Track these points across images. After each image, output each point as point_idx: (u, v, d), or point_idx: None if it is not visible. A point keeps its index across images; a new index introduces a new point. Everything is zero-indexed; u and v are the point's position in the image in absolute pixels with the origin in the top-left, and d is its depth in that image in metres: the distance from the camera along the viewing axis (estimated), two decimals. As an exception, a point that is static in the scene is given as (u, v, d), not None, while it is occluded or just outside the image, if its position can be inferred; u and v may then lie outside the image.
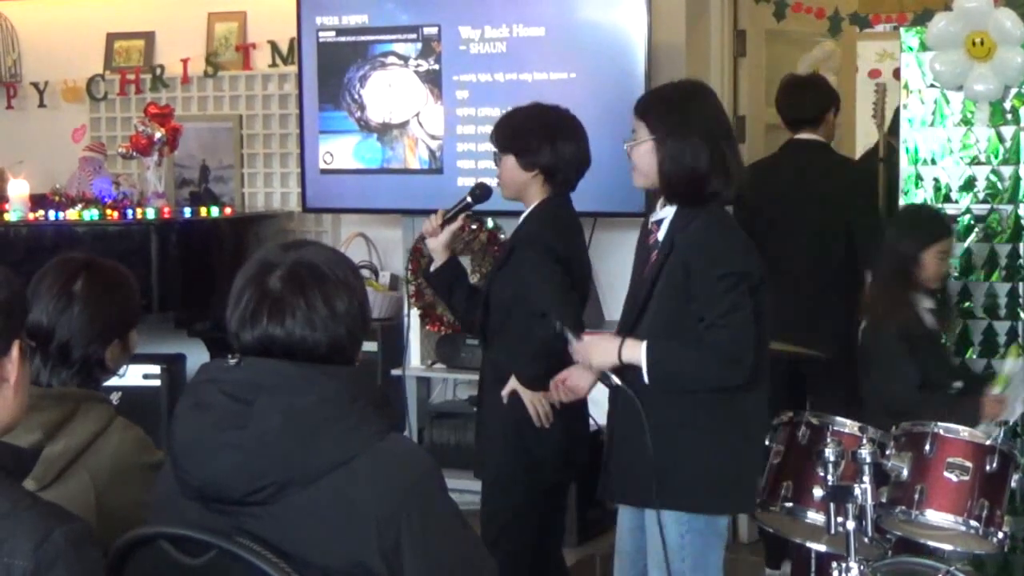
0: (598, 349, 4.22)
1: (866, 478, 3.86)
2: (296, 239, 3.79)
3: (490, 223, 6.86)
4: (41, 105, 8.22)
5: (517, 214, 4.91)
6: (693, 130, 4.15)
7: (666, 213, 4.26)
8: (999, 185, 6.07)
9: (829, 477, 3.88)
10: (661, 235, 4.25)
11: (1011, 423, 5.56)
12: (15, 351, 2.45)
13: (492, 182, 4.99)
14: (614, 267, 4.46)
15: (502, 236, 6.68)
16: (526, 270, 4.70)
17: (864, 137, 8.91)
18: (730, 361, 4.05)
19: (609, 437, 4.42)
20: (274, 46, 7.68)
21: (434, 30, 6.86)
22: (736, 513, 4.30)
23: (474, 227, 6.94)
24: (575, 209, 4.88)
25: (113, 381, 3.55)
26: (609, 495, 4.47)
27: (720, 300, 4.06)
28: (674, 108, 4.23)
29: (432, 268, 4.96)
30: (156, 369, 6.88)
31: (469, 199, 4.91)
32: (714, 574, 4.28)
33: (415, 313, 6.97)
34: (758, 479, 4.46)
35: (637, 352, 4.10)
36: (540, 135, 4.79)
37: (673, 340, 4.13)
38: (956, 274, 6.12)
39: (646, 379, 4.10)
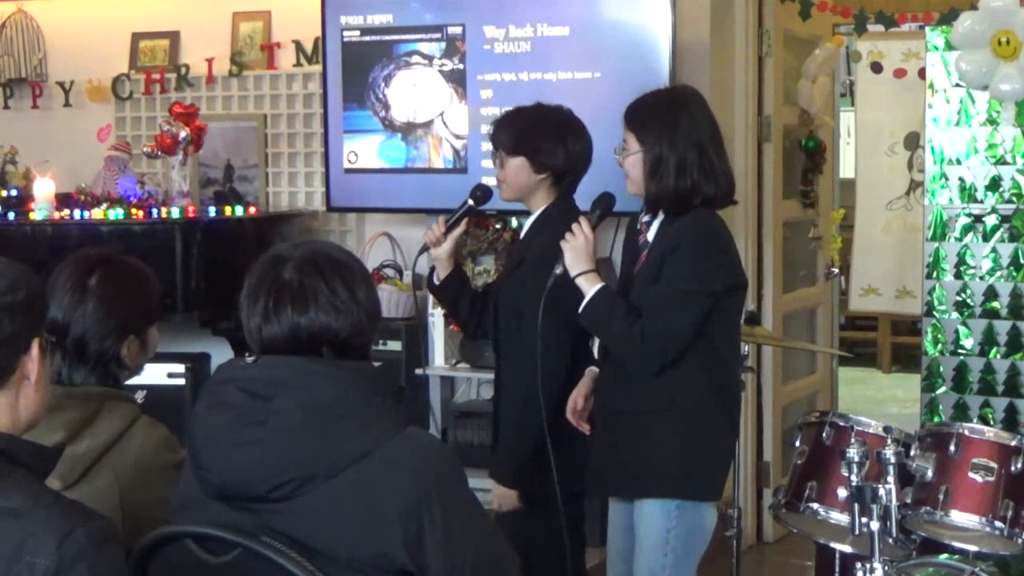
0: (576, 251, 4.27)
1: (890, 478, 3.85)
2: (302, 240, 3.81)
3: (514, 222, 6.85)
4: (66, 104, 8.24)
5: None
6: (680, 141, 4.22)
7: (666, 213, 4.31)
8: (1025, 185, 6.06)
9: (853, 477, 3.87)
10: (651, 236, 4.32)
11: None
12: (35, 349, 2.46)
13: (489, 181, 4.98)
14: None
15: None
16: (530, 287, 4.54)
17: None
18: (643, 352, 4.17)
19: (592, 425, 4.47)
20: (299, 45, 7.69)
21: (458, 29, 6.86)
22: (710, 500, 4.32)
23: (498, 227, 6.95)
24: (580, 211, 4.77)
25: (137, 380, 3.56)
26: (592, 486, 4.51)
27: (671, 298, 4.17)
28: (661, 119, 4.27)
29: (436, 279, 4.89)
30: (180, 368, 6.88)
31: (471, 202, 4.84)
32: (691, 573, 4.34)
33: (439, 313, 6.96)
34: (728, 470, 4.48)
35: (589, 288, 4.25)
36: (552, 136, 4.71)
37: (623, 304, 4.23)
38: (982, 274, 6.11)
39: (579, 309, 4.26)
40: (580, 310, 4.27)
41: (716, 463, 4.36)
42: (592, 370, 4.52)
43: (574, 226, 4.29)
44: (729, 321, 4.31)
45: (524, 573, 3.04)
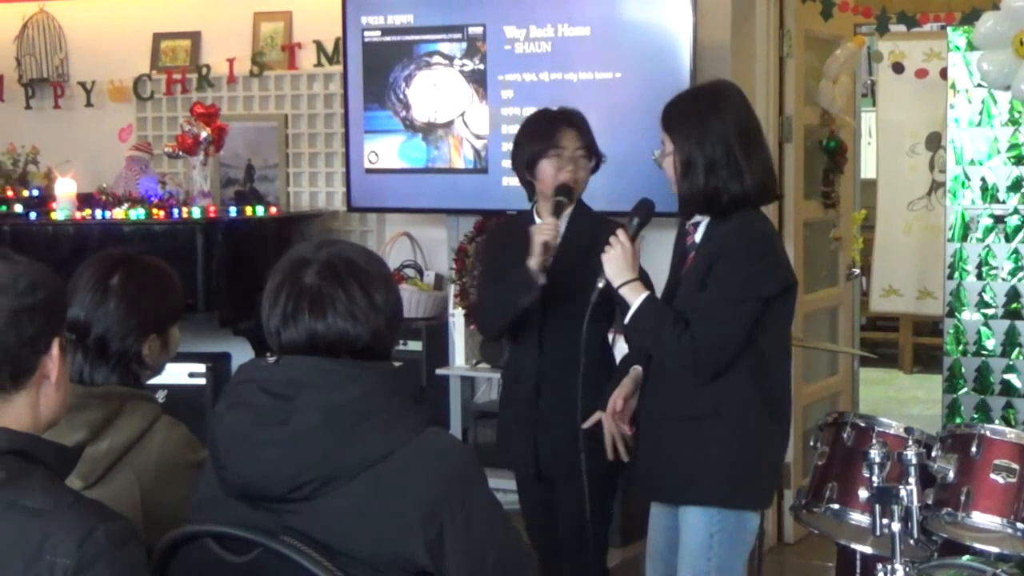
0: (617, 262, 4.28)
1: (911, 480, 3.83)
2: (326, 238, 3.80)
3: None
4: (88, 105, 8.26)
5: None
6: (708, 142, 4.19)
7: (703, 216, 4.28)
8: (1047, 185, 6.04)
9: (874, 478, 3.86)
10: (698, 237, 4.30)
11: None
12: (55, 349, 2.46)
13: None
14: (657, 266, 4.44)
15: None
16: None
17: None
18: (695, 362, 4.13)
19: (637, 430, 4.45)
20: (319, 46, 7.70)
21: (479, 30, 6.86)
22: (756, 509, 4.30)
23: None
24: None
25: (158, 379, 3.57)
26: (641, 492, 4.50)
27: (721, 306, 4.14)
28: (690, 119, 4.25)
29: (541, 279, 4.71)
30: (201, 368, 6.91)
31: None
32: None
33: (459, 313, 6.97)
34: (779, 475, 4.47)
35: (634, 298, 4.23)
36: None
37: (670, 313, 4.20)
38: (1003, 275, 6.09)
39: (625, 320, 4.25)
40: (626, 321, 4.26)
41: (761, 472, 4.31)
42: (636, 369, 4.49)
43: (612, 239, 4.30)
44: (778, 325, 4.27)
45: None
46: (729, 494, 4.23)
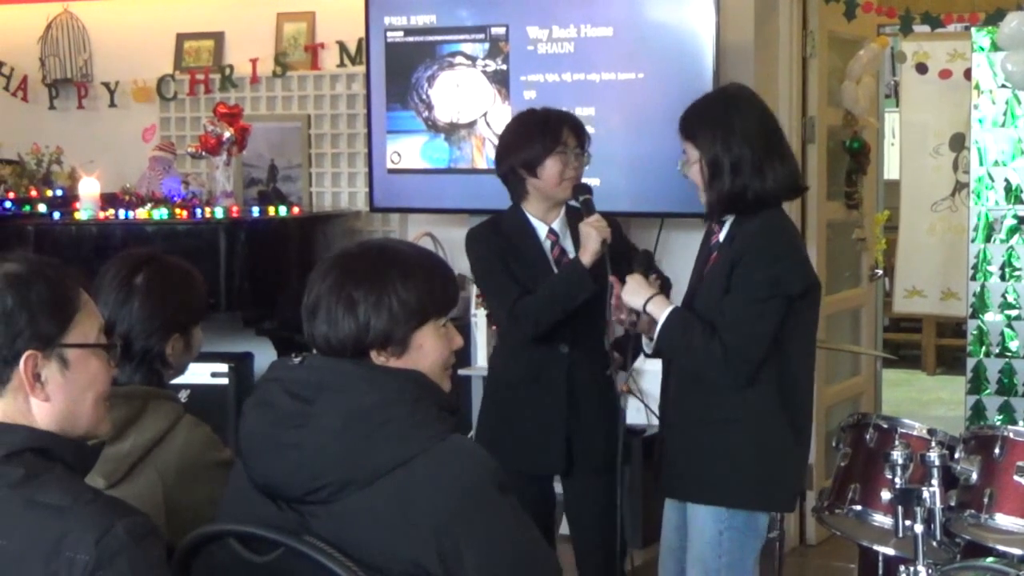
0: (632, 290, 4.33)
1: (934, 481, 3.82)
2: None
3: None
4: (112, 105, 8.27)
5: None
6: (735, 142, 4.22)
7: (728, 215, 4.28)
8: (1071, 186, 6.02)
9: (897, 480, 3.85)
10: (723, 236, 4.32)
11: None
12: (22, 363, 2.44)
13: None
14: (681, 267, 4.45)
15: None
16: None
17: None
18: (728, 365, 4.15)
19: (660, 430, 4.46)
20: (342, 46, 7.70)
21: (502, 30, 6.86)
22: (776, 511, 4.31)
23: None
24: None
25: (181, 379, 3.58)
26: (662, 490, 4.51)
27: (747, 306, 4.15)
28: (714, 122, 4.27)
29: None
30: (224, 367, 6.91)
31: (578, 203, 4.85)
32: (748, 574, 4.32)
33: (482, 313, 6.96)
34: (801, 478, 4.46)
35: (659, 311, 4.26)
36: None
37: (698, 321, 4.20)
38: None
39: (655, 335, 4.27)
40: (655, 336, 4.28)
41: (775, 474, 4.32)
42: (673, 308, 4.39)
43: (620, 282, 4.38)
44: (800, 326, 4.26)
45: None
46: (739, 495, 4.25)
